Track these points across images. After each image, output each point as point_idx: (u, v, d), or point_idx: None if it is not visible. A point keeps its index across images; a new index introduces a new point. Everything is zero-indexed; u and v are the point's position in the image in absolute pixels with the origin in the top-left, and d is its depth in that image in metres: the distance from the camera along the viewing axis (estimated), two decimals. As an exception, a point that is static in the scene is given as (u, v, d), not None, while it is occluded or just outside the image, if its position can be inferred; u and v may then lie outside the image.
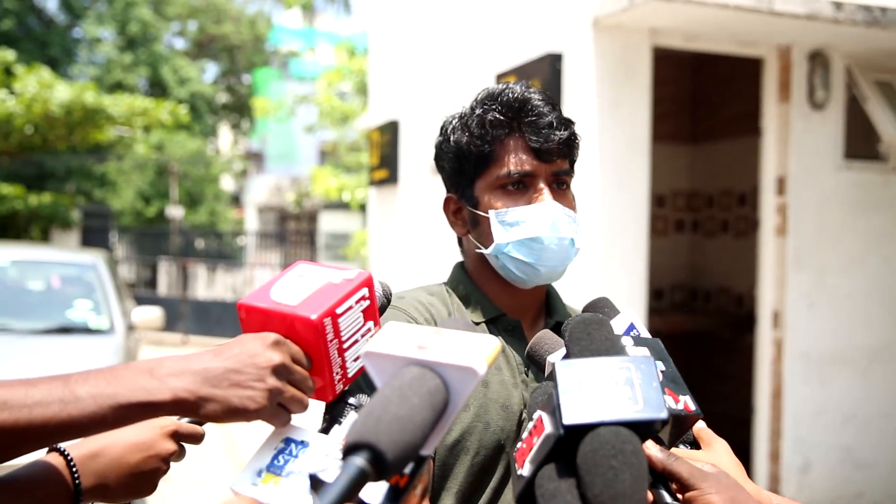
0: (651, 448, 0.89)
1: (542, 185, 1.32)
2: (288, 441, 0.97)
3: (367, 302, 1.02)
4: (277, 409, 0.93)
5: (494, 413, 1.30)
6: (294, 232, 19.34)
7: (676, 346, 6.58)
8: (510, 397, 1.33)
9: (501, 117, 1.33)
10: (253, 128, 29.15)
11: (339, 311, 0.97)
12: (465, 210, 1.40)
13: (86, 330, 5.38)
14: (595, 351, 0.92)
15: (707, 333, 6.24)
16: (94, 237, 17.65)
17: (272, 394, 0.91)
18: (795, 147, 4.64)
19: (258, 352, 0.91)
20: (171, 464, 1.14)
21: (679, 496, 0.89)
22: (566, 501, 0.80)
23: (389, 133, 6.82)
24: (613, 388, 0.84)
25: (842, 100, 4.76)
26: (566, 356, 0.96)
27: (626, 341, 0.99)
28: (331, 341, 0.96)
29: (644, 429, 0.84)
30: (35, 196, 17.01)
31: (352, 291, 1.00)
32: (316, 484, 0.85)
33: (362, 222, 16.74)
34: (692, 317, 6.23)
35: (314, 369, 0.97)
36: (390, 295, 1.21)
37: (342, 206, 17.65)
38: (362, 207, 13.50)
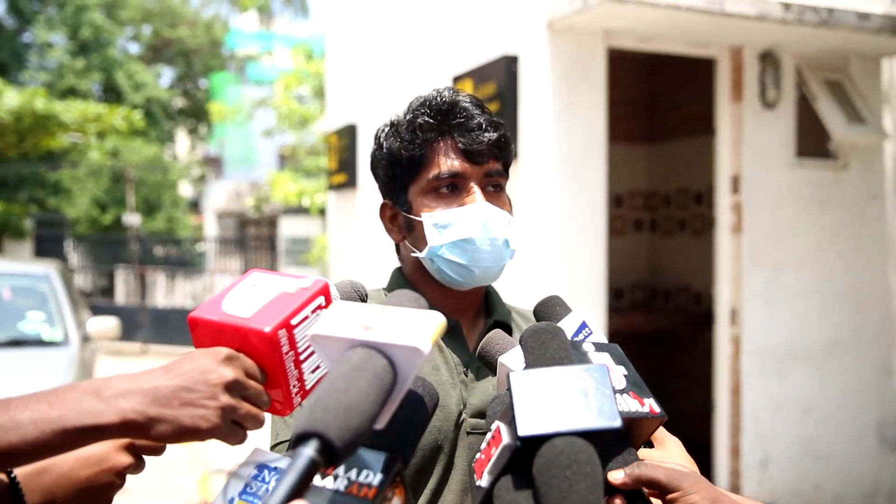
0: (615, 474, 0.89)
1: (473, 186, 1.32)
2: (261, 467, 0.95)
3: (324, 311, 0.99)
4: (232, 428, 0.89)
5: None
6: (254, 237, 19.15)
7: (637, 344, 6.68)
8: (448, 398, 1.32)
9: (431, 121, 1.34)
10: (210, 133, 28.79)
11: (294, 321, 0.94)
12: (400, 216, 1.40)
13: (39, 342, 5.26)
14: (549, 360, 0.92)
15: (667, 332, 6.31)
16: (48, 247, 17.26)
17: (225, 412, 0.87)
18: (748, 146, 4.71)
19: (210, 368, 0.88)
20: (130, 476, 1.08)
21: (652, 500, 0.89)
22: None
23: (347, 137, 6.78)
24: (568, 398, 0.84)
25: (792, 99, 4.84)
26: (525, 366, 0.96)
27: (588, 347, 0.99)
28: (286, 353, 0.93)
29: (599, 437, 0.84)
30: (-14, 205, 16.61)
31: (307, 301, 0.96)
32: None
33: (323, 227, 16.63)
34: (652, 315, 6.29)
35: (270, 383, 0.94)
36: (366, 297, 1.20)
37: (302, 210, 17.51)
38: (322, 212, 13.41)
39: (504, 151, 1.36)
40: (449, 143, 1.33)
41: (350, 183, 6.74)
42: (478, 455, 0.92)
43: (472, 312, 1.42)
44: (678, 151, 6.51)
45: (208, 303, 0.98)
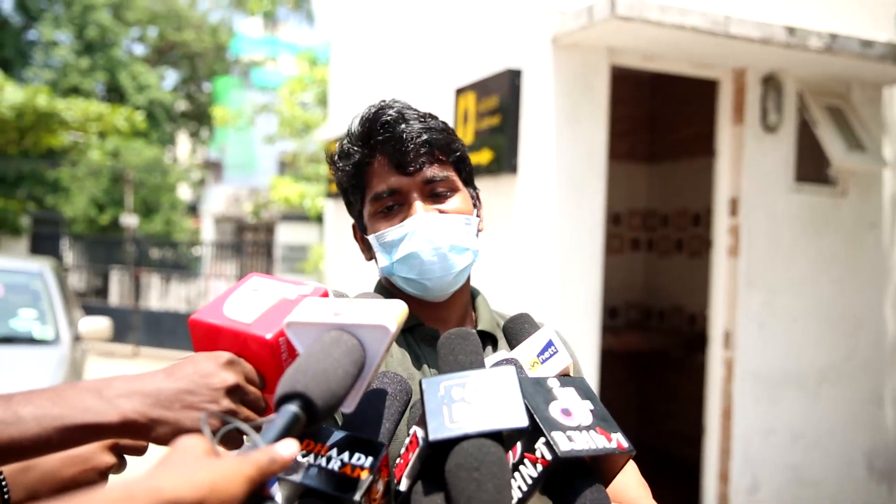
0: None
1: (414, 198, 1.30)
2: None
3: None
4: (230, 432, 0.89)
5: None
6: (251, 243, 19.14)
7: (631, 364, 6.65)
8: None
9: (356, 146, 1.33)
10: (212, 137, 28.87)
11: None
12: (364, 237, 1.41)
13: (30, 340, 5.22)
14: (460, 366, 0.98)
15: (661, 352, 6.29)
16: (44, 244, 17.28)
17: (226, 416, 0.88)
18: (748, 169, 4.71)
19: (212, 372, 0.89)
20: (111, 476, 1.10)
21: None
22: None
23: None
24: (475, 401, 0.88)
25: (793, 123, 4.85)
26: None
27: (553, 383, 0.99)
28: (285, 360, 0.94)
29: (509, 438, 0.89)
30: (-17, 201, 16.59)
31: None
32: None
33: (320, 234, 16.63)
34: (646, 335, 6.28)
35: (268, 388, 0.95)
36: None
37: (300, 217, 17.51)
38: (320, 218, 13.41)
39: (443, 152, 1.32)
40: (379, 161, 1.31)
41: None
42: (398, 460, 0.96)
43: (453, 322, 1.40)
44: (677, 172, 6.52)
45: (209, 306, 0.99)
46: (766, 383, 4.79)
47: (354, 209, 1.39)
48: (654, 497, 1.28)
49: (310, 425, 0.78)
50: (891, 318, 5.18)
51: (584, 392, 0.99)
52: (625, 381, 6.45)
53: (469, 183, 1.39)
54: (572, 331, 4.22)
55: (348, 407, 0.88)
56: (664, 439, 6.21)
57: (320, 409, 0.77)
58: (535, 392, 0.94)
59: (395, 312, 0.90)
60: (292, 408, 0.76)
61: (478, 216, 1.38)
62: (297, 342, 0.90)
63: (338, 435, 0.92)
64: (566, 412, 0.94)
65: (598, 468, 0.94)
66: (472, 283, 1.47)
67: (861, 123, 4.88)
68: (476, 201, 1.39)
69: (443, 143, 1.32)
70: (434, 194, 1.32)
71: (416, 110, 1.34)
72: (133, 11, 26.07)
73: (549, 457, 0.88)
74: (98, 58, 24.56)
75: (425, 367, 1.33)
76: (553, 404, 0.94)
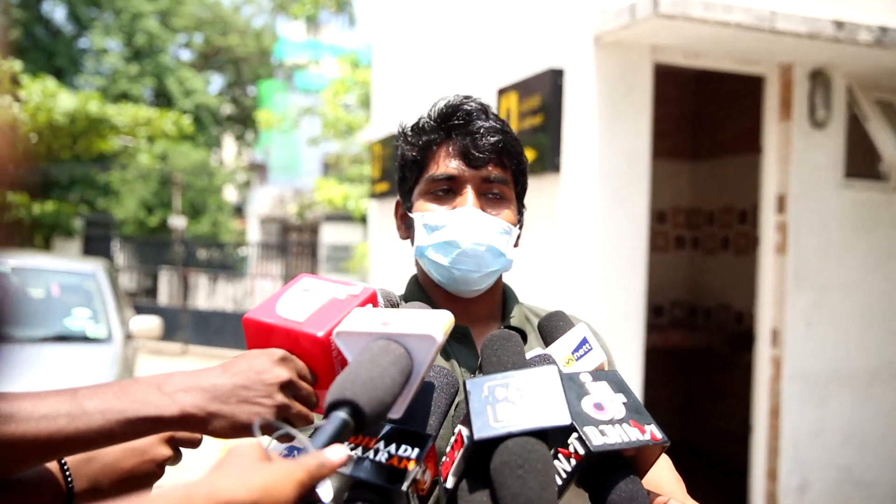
0: None
1: (468, 190, 1.33)
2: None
3: None
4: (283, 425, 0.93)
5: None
6: (296, 243, 19.35)
7: (676, 362, 6.57)
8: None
9: (433, 123, 1.37)
10: (257, 139, 29.26)
11: None
12: (406, 214, 1.43)
13: (84, 338, 5.37)
14: (503, 366, 1.00)
15: (707, 350, 6.22)
16: (96, 246, 17.68)
17: (279, 410, 0.92)
18: (796, 165, 4.64)
19: (266, 368, 0.93)
20: (167, 468, 1.14)
21: None
22: None
23: (392, 146, 6.83)
24: (519, 400, 0.91)
25: (843, 119, 4.76)
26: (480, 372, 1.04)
27: (585, 377, 1.00)
28: (336, 357, 0.98)
29: (553, 435, 0.91)
30: (38, 205, 17.03)
31: (356, 307, 1.01)
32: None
33: (363, 234, 16.76)
34: (692, 334, 6.21)
35: (318, 385, 0.99)
36: (398, 304, 1.23)
37: (344, 217, 17.67)
38: (364, 218, 13.51)
39: (509, 158, 1.35)
40: (449, 146, 1.34)
41: (392, 191, 6.79)
42: (444, 458, 0.98)
43: (483, 319, 1.41)
44: (723, 169, 6.44)
45: (262, 305, 1.02)
46: (815, 382, 4.71)
47: (406, 185, 1.42)
48: (701, 495, 1.29)
49: (358, 431, 0.81)
50: (945, 317, 5.05)
51: (617, 385, 1.00)
52: (670, 380, 6.39)
53: (520, 199, 1.42)
54: (616, 330, 4.20)
55: (396, 413, 0.91)
56: (711, 437, 6.14)
57: (368, 416, 0.80)
58: (567, 388, 0.95)
59: (441, 322, 0.93)
60: (341, 414, 0.79)
61: (519, 229, 1.41)
62: (346, 350, 0.93)
63: (385, 427, 0.94)
64: (598, 406, 0.95)
65: (632, 460, 0.95)
66: (510, 280, 1.49)
67: (913, 118, 4.77)
68: (520, 218, 1.42)
69: (511, 151, 1.36)
70: (488, 194, 1.35)
71: (497, 114, 1.38)
72: (180, 18, 26.55)
73: (581, 451, 0.90)
74: (146, 64, 25.07)
75: (456, 364, 1.34)
76: (585, 399, 0.96)
